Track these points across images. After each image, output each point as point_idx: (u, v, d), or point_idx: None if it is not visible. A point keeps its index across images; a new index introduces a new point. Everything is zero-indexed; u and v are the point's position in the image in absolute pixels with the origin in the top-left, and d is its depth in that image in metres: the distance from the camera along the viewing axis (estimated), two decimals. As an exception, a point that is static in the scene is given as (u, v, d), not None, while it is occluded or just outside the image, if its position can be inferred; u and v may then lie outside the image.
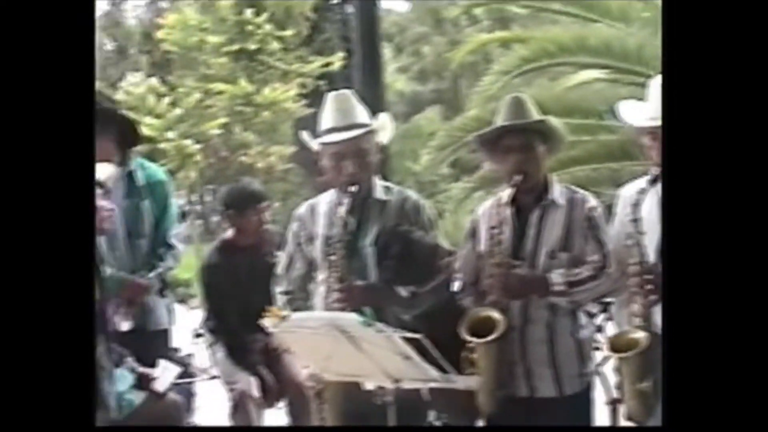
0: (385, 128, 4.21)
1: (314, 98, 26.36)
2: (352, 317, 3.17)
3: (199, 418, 4.81)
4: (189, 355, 5.55)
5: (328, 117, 4.12)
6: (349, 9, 30.09)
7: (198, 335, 5.69)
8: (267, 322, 3.22)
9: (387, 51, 27.36)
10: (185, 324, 5.73)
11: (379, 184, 4.20)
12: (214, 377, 5.56)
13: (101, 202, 4.32)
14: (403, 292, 3.98)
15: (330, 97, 4.17)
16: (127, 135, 5.11)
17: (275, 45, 23.61)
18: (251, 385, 5.31)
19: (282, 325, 3.15)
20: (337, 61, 24.25)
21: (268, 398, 5.42)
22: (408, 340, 3.13)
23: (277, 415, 5.53)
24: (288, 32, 23.96)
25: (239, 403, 5.26)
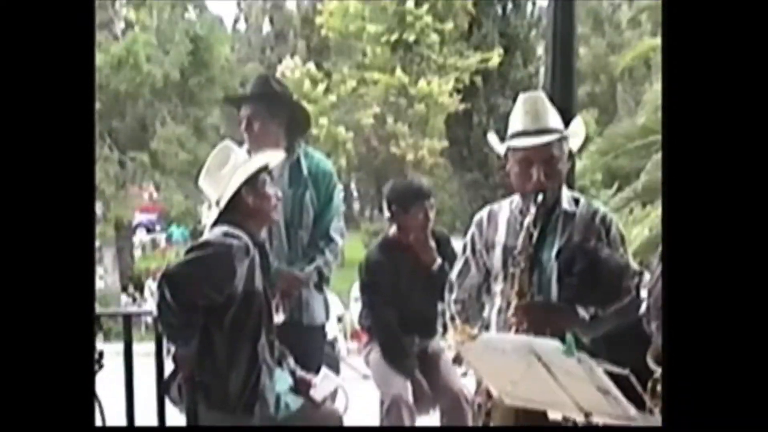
0: (577, 135, 3.93)
1: (469, 94, 26.40)
2: (553, 344, 2.94)
3: (349, 420, 4.65)
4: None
5: (518, 119, 3.87)
6: (510, 5, 29.89)
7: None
8: (453, 338, 3.01)
9: (539, 49, 27.03)
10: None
11: (566, 194, 3.93)
12: (366, 377, 5.41)
13: (269, 190, 4.21)
14: (583, 312, 3.72)
15: (521, 99, 3.91)
16: (298, 122, 5.00)
17: (434, 37, 23.56)
18: (406, 390, 5.13)
19: (469, 343, 2.93)
20: (495, 57, 24.05)
21: (422, 405, 5.24)
22: (611, 374, 2.87)
23: (429, 423, 5.35)
24: (447, 25, 23.86)
25: (391, 408, 5.09)
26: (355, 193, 35.66)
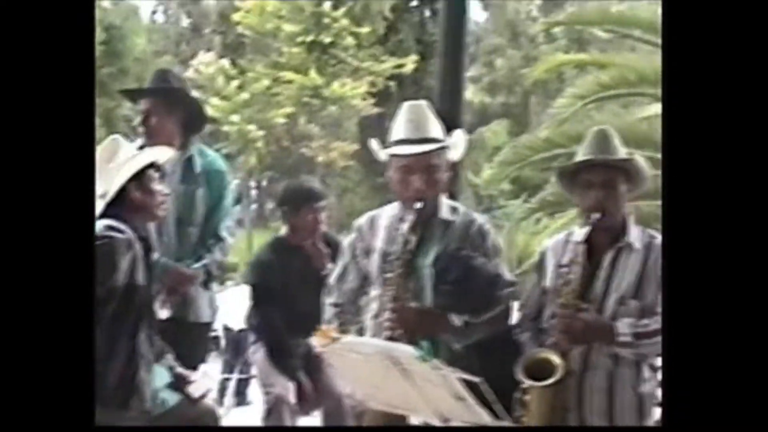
0: (458, 146, 4.00)
1: (383, 98, 26.48)
2: (409, 350, 2.99)
3: (230, 419, 4.66)
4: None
5: (400, 127, 3.91)
6: (427, 12, 30.03)
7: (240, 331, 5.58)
8: (315, 341, 3.04)
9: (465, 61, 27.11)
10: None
11: (445, 203, 3.99)
12: (250, 377, 5.42)
13: (157, 186, 4.20)
14: (456, 320, 3.78)
15: (404, 107, 3.96)
16: (194, 119, 5.00)
17: (350, 40, 23.58)
18: (288, 391, 5.16)
19: (332, 346, 2.97)
20: (409, 63, 24.15)
21: (304, 406, 5.27)
22: (466, 381, 2.93)
23: (311, 423, 5.38)
24: (364, 29, 23.90)
25: (274, 408, 5.12)
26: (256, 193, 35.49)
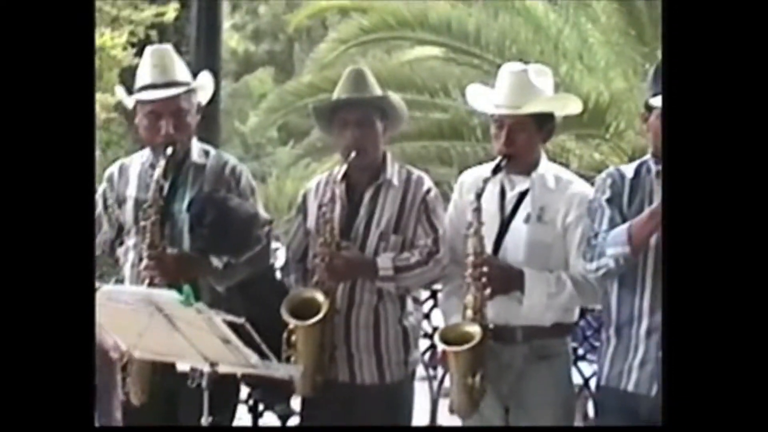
0: (204, 88, 3.94)
1: (143, 48, 25.72)
2: (171, 295, 2.93)
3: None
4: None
5: (145, 73, 3.82)
6: (187, -41, 29.39)
7: None
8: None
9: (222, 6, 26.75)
10: None
11: (197, 146, 3.92)
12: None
13: None
14: (216, 262, 3.74)
15: (148, 52, 3.86)
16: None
17: (106, -12, 22.73)
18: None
19: (92, 296, 2.88)
20: (171, 11, 23.54)
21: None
22: (229, 323, 2.91)
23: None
24: (121, -24, 23.10)
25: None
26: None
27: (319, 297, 3.65)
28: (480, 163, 4.01)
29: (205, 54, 4.89)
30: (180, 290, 2.90)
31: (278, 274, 4.06)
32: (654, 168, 3.38)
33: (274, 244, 4.01)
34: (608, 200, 3.40)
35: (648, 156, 3.45)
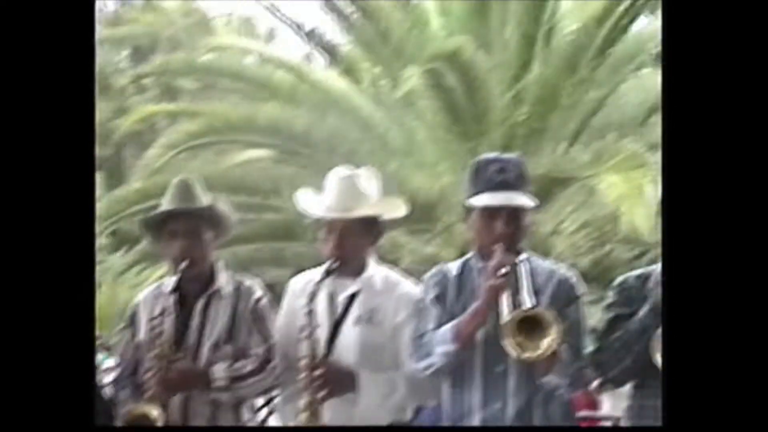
0: None
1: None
2: None
3: None
4: None
5: None
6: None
7: None
8: None
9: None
10: None
11: None
12: None
13: None
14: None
15: None
16: None
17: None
18: None
19: None
20: None
21: None
22: None
23: None
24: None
25: None
26: None
27: (153, 412, 3.58)
28: (315, 263, 4.05)
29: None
30: None
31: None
32: (478, 264, 3.48)
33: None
34: (435, 299, 3.48)
35: (472, 252, 3.56)
